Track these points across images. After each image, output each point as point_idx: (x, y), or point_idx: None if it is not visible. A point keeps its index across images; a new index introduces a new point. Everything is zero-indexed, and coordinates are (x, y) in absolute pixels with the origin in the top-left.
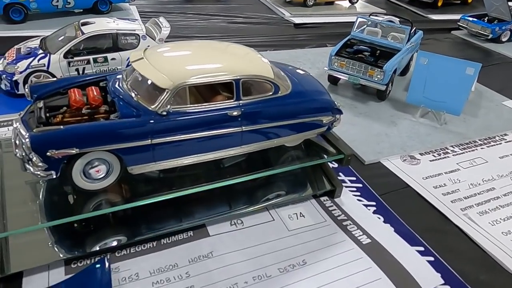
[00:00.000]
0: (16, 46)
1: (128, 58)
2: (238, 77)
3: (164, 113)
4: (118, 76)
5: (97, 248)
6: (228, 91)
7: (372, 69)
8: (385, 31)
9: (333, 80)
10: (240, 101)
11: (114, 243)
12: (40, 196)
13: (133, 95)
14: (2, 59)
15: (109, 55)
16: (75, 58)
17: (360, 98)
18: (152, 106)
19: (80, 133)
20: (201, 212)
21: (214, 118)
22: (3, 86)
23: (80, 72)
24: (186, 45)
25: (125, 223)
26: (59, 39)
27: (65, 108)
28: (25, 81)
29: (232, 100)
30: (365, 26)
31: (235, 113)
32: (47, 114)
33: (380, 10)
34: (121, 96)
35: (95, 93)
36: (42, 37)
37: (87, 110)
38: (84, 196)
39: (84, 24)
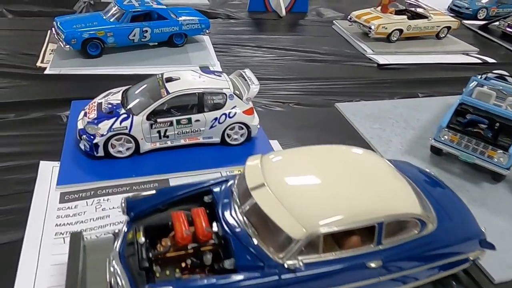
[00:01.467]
0: (97, 100)
1: (214, 119)
2: (382, 219)
3: (292, 267)
4: (226, 198)
5: None
6: (365, 231)
7: (493, 150)
8: (500, 92)
9: (437, 151)
10: (381, 246)
11: None
12: None
13: (251, 233)
14: (82, 114)
15: (193, 117)
16: (158, 120)
17: (470, 177)
18: (279, 256)
19: None
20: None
21: (349, 269)
22: (82, 146)
23: (162, 134)
24: (309, 161)
25: None
26: (142, 95)
27: (169, 244)
28: (105, 144)
29: (372, 245)
30: (474, 84)
31: (373, 265)
32: (150, 255)
33: (473, 48)
34: (236, 233)
35: (203, 224)
36: (123, 89)
37: (193, 245)
38: None
39: (168, 80)
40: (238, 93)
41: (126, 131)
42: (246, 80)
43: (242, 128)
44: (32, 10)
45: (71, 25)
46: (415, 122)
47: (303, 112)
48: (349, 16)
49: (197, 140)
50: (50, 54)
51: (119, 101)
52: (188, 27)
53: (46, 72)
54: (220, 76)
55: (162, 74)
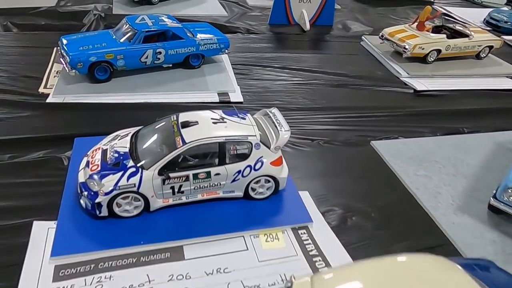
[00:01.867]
0: (102, 146)
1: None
2: None
3: None
4: None
5: None
6: None
7: None
8: None
9: (497, 210)
10: None
11: None
12: None
13: None
14: (85, 162)
15: (213, 170)
16: (173, 175)
17: None
18: None
19: None
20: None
21: None
22: (82, 204)
23: (176, 190)
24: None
25: None
26: (153, 143)
27: None
28: (109, 203)
29: None
30: None
31: None
32: None
33: None
34: None
35: None
36: (132, 132)
37: None
38: None
39: (184, 125)
40: (265, 140)
41: (134, 189)
42: (273, 122)
43: (269, 181)
44: (38, 23)
45: (77, 47)
46: (465, 168)
47: (335, 152)
48: (380, 34)
49: (216, 195)
50: (54, 77)
51: (127, 149)
52: (205, 47)
53: (49, 100)
54: (245, 118)
55: (177, 117)
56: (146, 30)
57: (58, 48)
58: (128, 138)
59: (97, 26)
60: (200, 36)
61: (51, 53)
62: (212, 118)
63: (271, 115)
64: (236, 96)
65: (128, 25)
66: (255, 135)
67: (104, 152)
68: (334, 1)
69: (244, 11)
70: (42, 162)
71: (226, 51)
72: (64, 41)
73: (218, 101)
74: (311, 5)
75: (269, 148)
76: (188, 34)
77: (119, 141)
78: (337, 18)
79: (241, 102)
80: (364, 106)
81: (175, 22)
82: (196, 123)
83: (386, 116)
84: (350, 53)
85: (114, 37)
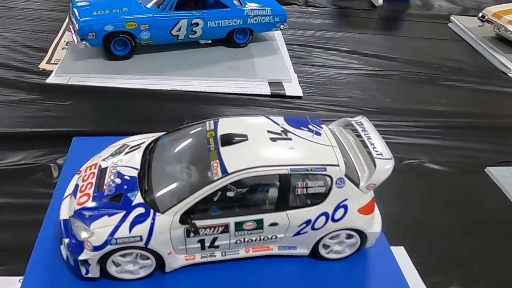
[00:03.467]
0: (101, 160)
1: None
2: None
3: None
4: None
5: None
6: None
7: None
8: None
9: None
10: None
11: None
12: None
13: None
14: (73, 184)
15: (268, 217)
16: (202, 223)
17: None
18: None
19: None
20: None
21: None
22: (63, 253)
23: (207, 245)
24: None
25: None
26: (176, 167)
27: None
28: (102, 261)
29: None
30: None
31: None
32: None
33: None
34: None
35: None
36: (146, 143)
37: None
38: None
39: (226, 141)
40: (352, 172)
41: (141, 244)
42: (363, 140)
43: (352, 236)
44: None
45: (90, 11)
46: None
47: (436, 180)
48: (480, 14)
49: (268, 251)
50: (63, 49)
51: (136, 172)
52: (256, 20)
53: (49, 80)
54: (319, 133)
55: (215, 125)
56: None
57: (69, 11)
58: (140, 153)
59: None
60: (250, 5)
61: (64, 18)
62: (269, 131)
63: (358, 128)
64: (292, 88)
65: None
66: (338, 164)
67: (102, 172)
68: None
69: None
70: (22, 172)
71: (282, 26)
72: (76, 2)
73: (269, 93)
74: None
75: (357, 185)
76: (234, 2)
77: (125, 157)
78: None
79: (299, 97)
80: (467, 112)
81: None
82: (245, 138)
83: (499, 128)
84: (436, 37)
85: (139, 1)
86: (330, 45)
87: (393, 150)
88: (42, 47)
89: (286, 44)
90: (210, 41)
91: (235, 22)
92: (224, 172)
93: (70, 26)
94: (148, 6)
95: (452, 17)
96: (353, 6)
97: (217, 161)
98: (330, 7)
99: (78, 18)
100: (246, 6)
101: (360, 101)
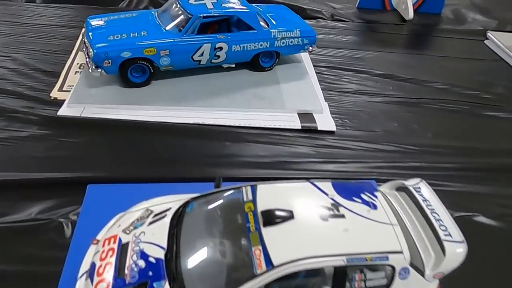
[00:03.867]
0: (121, 231)
1: None
2: None
3: None
4: None
5: None
6: None
7: None
8: None
9: None
10: None
11: None
12: None
13: None
14: (89, 261)
15: None
16: None
17: None
18: None
19: None
20: None
21: None
22: None
23: None
24: None
25: None
26: (210, 250)
27: None
28: None
29: None
30: None
31: None
32: None
33: None
34: None
35: None
36: (174, 210)
37: None
38: None
39: (268, 219)
40: (415, 258)
41: None
42: (424, 214)
43: None
44: None
45: (106, 36)
46: None
47: (493, 238)
48: None
49: None
50: (76, 73)
51: (162, 253)
52: (283, 42)
53: (61, 112)
54: (375, 205)
55: (253, 195)
56: (205, 15)
57: (84, 32)
58: (166, 225)
59: (139, 3)
60: (277, 29)
61: (78, 35)
62: (318, 205)
63: (417, 196)
64: (324, 120)
65: (178, 6)
66: (402, 251)
67: (123, 249)
68: None
69: None
70: (30, 230)
71: (311, 48)
72: (91, 24)
73: (299, 127)
74: None
75: (422, 274)
76: (261, 23)
77: (149, 229)
78: (448, 3)
79: (332, 132)
80: None
81: (245, 5)
82: (290, 215)
83: None
84: (472, 57)
85: (158, 23)
86: (360, 67)
87: (450, 203)
88: (53, 70)
89: (314, 66)
90: (233, 65)
91: (261, 45)
92: (269, 264)
93: (84, 50)
94: (168, 28)
95: (489, 34)
96: (381, 20)
97: (260, 247)
98: (357, 21)
99: (93, 44)
100: (273, 27)
101: (398, 137)
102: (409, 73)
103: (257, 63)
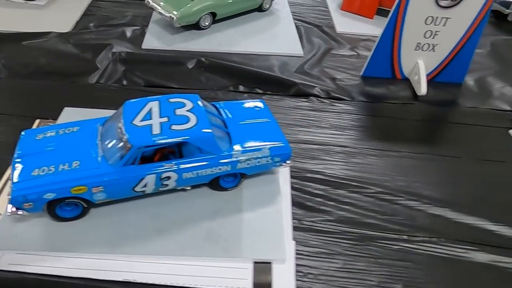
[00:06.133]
0: None
1: None
2: None
3: None
4: None
5: None
6: None
7: None
8: None
9: None
10: None
11: None
12: None
13: None
14: None
15: None
16: None
17: None
18: None
19: None
20: None
21: None
22: None
23: None
24: None
25: None
26: None
27: None
28: None
29: None
30: None
31: None
32: None
33: None
34: None
35: None
36: None
37: None
38: None
39: None
40: None
41: None
42: None
43: None
44: (34, 63)
45: (29, 171)
46: None
47: None
48: None
49: None
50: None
51: None
52: (248, 164)
53: None
54: None
55: None
56: (146, 146)
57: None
58: None
59: (113, 72)
60: (240, 144)
61: (8, 164)
62: None
63: None
64: (283, 276)
65: (121, 126)
66: None
67: None
68: (474, 47)
69: (328, 45)
70: None
71: (284, 164)
72: (19, 147)
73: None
74: (434, 54)
75: None
76: (219, 144)
77: None
78: (472, 71)
79: None
80: None
81: (200, 121)
82: None
83: None
84: (504, 150)
85: (98, 144)
86: (361, 181)
87: None
88: None
89: (291, 180)
90: (189, 188)
91: (220, 169)
92: None
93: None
94: (106, 155)
95: None
96: (390, 95)
97: None
98: (361, 100)
99: (13, 181)
100: (236, 147)
101: None
102: (432, 189)
103: (217, 184)
